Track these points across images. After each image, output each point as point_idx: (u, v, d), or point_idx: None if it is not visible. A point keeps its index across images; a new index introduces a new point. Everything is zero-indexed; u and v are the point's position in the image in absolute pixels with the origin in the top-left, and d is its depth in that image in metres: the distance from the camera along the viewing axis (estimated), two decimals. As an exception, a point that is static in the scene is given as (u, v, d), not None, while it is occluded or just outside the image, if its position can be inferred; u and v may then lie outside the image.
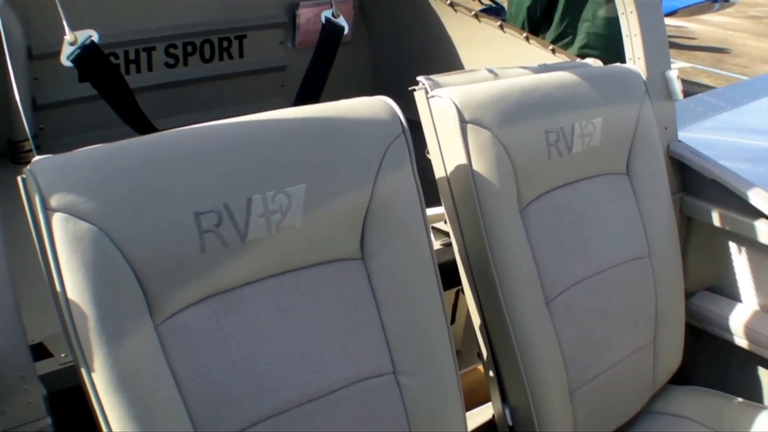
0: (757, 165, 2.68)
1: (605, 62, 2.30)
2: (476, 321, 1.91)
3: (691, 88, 4.04)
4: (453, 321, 2.48)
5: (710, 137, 3.19)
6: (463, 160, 1.75)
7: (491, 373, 1.94)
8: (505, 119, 1.80)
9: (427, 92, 1.80)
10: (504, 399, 1.96)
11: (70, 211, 1.21)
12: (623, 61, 2.36)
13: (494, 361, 1.93)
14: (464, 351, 2.48)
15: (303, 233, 1.43)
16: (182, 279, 1.31)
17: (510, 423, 1.97)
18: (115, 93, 2.29)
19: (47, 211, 1.21)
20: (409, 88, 1.82)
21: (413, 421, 1.58)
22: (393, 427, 1.55)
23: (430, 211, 1.69)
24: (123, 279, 1.25)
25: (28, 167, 1.23)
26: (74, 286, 1.21)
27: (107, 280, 1.23)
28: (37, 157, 1.25)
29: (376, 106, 1.57)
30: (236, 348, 1.36)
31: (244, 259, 1.37)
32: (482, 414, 2.29)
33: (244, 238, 1.35)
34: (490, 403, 2.06)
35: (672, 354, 2.25)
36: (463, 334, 2.54)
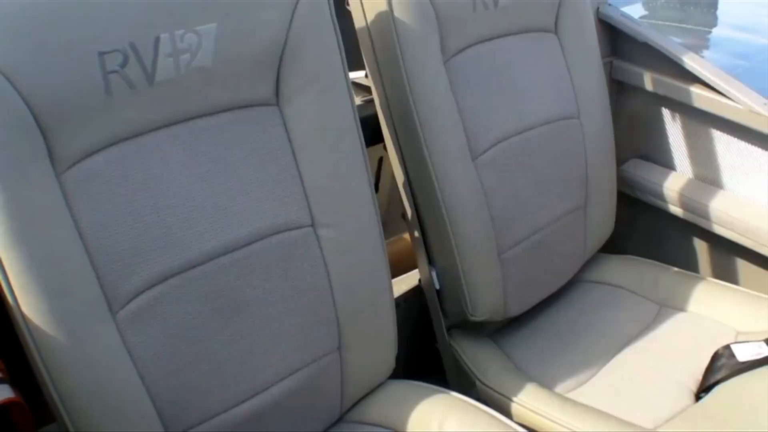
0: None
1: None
2: (400, 178, 1.91)
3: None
4: (377, 190, 2.47)
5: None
6: (384, 7, 1.72)
7: (416, 234, 1.95)
8: (428, -35, 1.77)
9: (344, -64, 1.77)
10: (431, 262, 1.98)
11: None
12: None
13: (420, 222, 1.94)
14: (389, 221, 2.48)
15: (214, 75, 1.39)
16: (86, 124, 1.26)
17: (437, 286, 1.99)
18: None
19: None
20: None
21: (334, 276, 1.57)
22: (313, 281, 1.55)
23: (352, 75, 1.67)
24: (21, 123, 1.20)
25: None
26: None
27: (3, 124, 1.19)
28: None
29: (292, -55, 1.53)
30: (144, 198, 1.33)
31: (151, 102, 1.33)
32: (408, 280, 2.30)
33: (151, 79, 1.31)
34: (416, 270, 2.07)
35: (604, 220, 2.27)
36: (388, 204, 2.53)
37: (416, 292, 2.22)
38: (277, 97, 1.51)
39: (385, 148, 1.94)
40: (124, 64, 1.28)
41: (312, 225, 1.54)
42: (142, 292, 1.34)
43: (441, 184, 1.81)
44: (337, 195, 1.56)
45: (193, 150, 1.40)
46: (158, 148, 1.36)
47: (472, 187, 1.85)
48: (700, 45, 2.76)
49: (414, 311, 2.23)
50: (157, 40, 1.31)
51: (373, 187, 1.63)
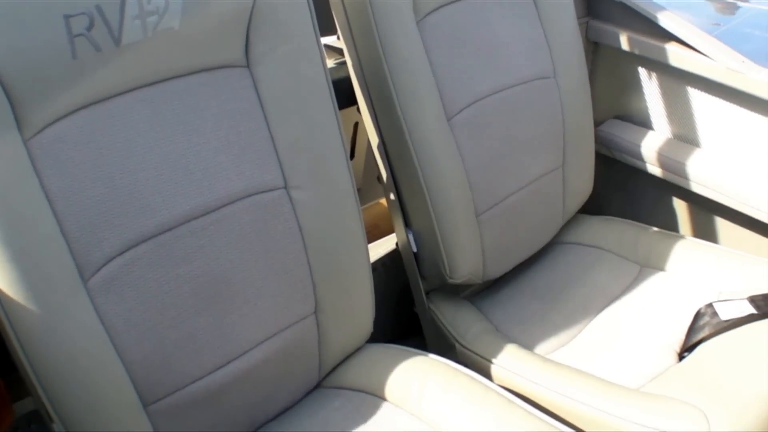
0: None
1: None
2: (374, 140, 1.90)
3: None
4: (352, 157, 2.46)
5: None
6: (355, -33, 1.71)
7: (392, 196, 1.94)
8: None
9: None
10: (407, 225, 1.97)
11: None
12: None
13: (395, 185, 1.93)
14: (366, 188, 2.47)
15: (182, 37, 1.37)
16: (53, 88, 1.25)
17: (414, 249, 1.98)
18: None
19: None
20: None
21: (308, 238, 1.56)
22: (287, 244, 1.53)
23: (324, 40, 1.66)
24: None
25: None
26: None
27: None
28: None
29: None
30: (113, 162, 1.31)
31: (119, 65, 1.31)
32: (386, 244, 2.29)
33: (118, 41, 1.29)
34: (394, 234, 2.06)
35: (582, 180, 2.27)
36: (364, 170, 2.52)
37: (394, 256, 2.21)
38: (247, 59, 1.49)
39: (359, 110, 1.92)
40: (90, 27, 1.26)
41: (285, 187, 1.52)
42: (113, 258, 1.32)
43: (416, 145, 1.80)
44: (309, 156, 1.55)
45: (162, 113, 1.38)
46: (126, 112, 1.34)
47: (447, 148, 1.84)
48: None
49: (392, 275, 2.22)
50: (123, 2, 1.29)
51: (346, 148, 1.61)
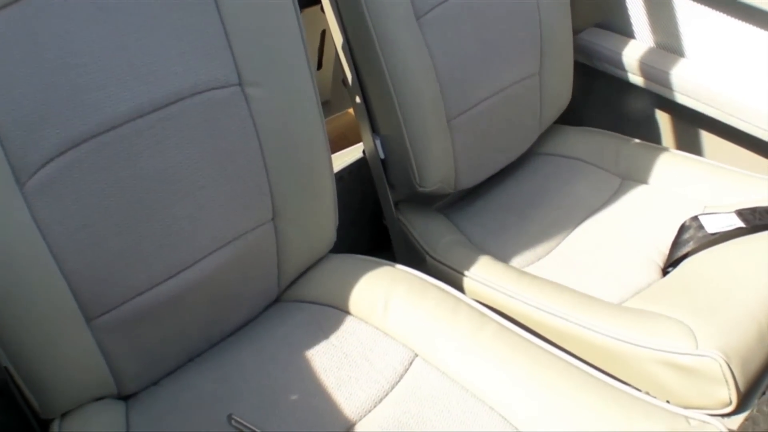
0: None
1: None
2: (338, 41, 1.81)
3: None
4: (320, 67, 2.37)
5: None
6: None
7: (358, 99, 1.85)
8: None
9: None
10: (375, 131, 1.89)
11: None
12: None
13: (362, 89, 1.84)
14: (334, 101, 2.39)
15: None
16: None
17: (382, 155, 1.91)
18: None
19: None
20: None
21: (265, 139, 1.47)
22: (241, 144, 1.44)
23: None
24: None
25: None
26: None
27: None
28: None
29: None
30: (51, 56, 1.22)
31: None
32: (352, 153, 2.21)
33: None
34: (361, 143, 1.98)
35: (560, 89, 2.19)
36: (332, 83, 2.44)
37: (361, 164, 2.13)
38: None
39: (322, 9, 1.83)
40: None
41: (239, 84, 1.42)
42: (52, 159, 1.24)
43: (382, 43, 1.72)
44: (266, 52, 1.45)
45: (104, 3, 1.27)
46: (64, 3, 1.24)
47: (416, 48, 1.76)
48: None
49: (359, 184, 2.15)
50: None
51: (306, 46, 1.52)
